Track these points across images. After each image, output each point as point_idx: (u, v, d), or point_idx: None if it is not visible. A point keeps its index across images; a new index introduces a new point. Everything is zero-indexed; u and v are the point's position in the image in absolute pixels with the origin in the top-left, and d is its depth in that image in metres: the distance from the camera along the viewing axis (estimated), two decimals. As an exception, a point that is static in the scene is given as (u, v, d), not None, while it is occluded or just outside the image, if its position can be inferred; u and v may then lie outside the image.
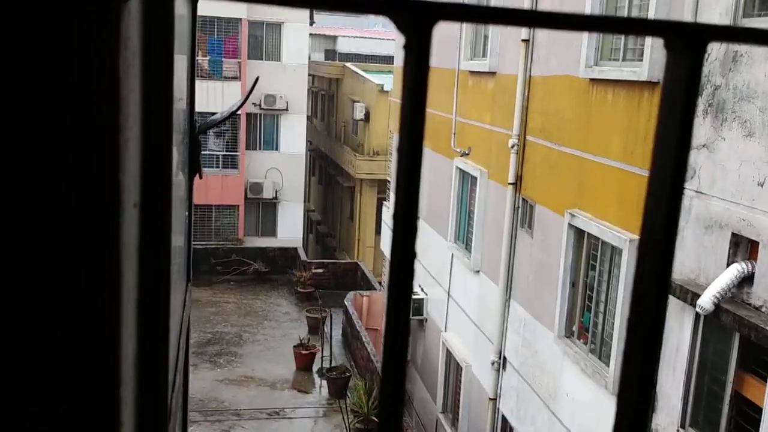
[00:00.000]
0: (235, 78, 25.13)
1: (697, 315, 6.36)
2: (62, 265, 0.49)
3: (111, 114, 0.47)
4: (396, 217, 0.52)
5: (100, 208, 0.49)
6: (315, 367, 17.51)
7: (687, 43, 0.53)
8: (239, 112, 24.96)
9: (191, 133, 1.57)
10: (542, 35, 9.78)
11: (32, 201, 0.47)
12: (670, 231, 0.55)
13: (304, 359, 17.41)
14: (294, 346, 17.67)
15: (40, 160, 0.47)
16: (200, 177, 1.70)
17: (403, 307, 0.53)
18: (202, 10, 26.58)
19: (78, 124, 0.47)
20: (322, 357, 17.38)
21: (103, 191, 0.49)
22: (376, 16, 0.51)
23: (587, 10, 8.36)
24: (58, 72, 0.46)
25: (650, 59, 7.15)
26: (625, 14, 7.97)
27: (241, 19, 25.00)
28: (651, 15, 7.19)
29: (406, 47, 0.51)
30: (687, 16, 6.63)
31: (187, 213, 1.63)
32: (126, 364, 0.61)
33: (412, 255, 0.54)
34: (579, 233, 8.74)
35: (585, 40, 8.46)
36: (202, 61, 25.08)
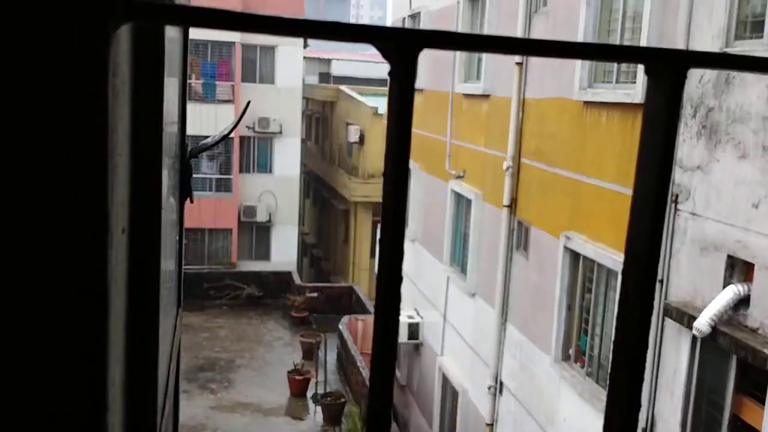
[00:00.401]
0: (228, 101, 25.22)
1: (694, 338, 6.35)
2: (48, 289, 0.49)
3: (99, 141, 0.47)
4: (383, 240, 0.52)
5: (86, 235, 0.49)
6: (309, 393, 17.36)
7: (667, 69, 0.54)
8: (232, 135, 25.02)
9: (182, 157, 1.58)
10: (536, 58, 9.87)
11: (16, 226, 0.47)
12: (654, 252, 0.56)
13: (299, 385, 17.26)
14: (288, 372, 17.53)
15: (26, 187, 0.47)
16: (191, 201, 1.70)
17: (391, 329, 0.53)
18: (196, 33, 26.79)
19: (65, 151, 0.47)
20: (316, 382, 17.24)
21: (90, 218, 0.49)
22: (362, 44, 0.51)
23: (580, 33, 8.45)
24: (45, 99, 0.46)
25: (644, 81, 7.21)
26: (618, 37, 8.06)
27: (234, 42, 25.16)
28: (644, 37, 7.27)
29: (390, 74, 0.52)
30: (679, 39, 6.70)
31: (177, 237, 1.63)
32: (114, 389, 0.60)
33: (399, 277, 0.54)
34: (574, 256, 8.74)
35: (578, 63, 8.54)
36: (196, 84, 25.18)
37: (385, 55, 0.51)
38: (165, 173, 1.37)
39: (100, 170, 0.48)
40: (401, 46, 0.50)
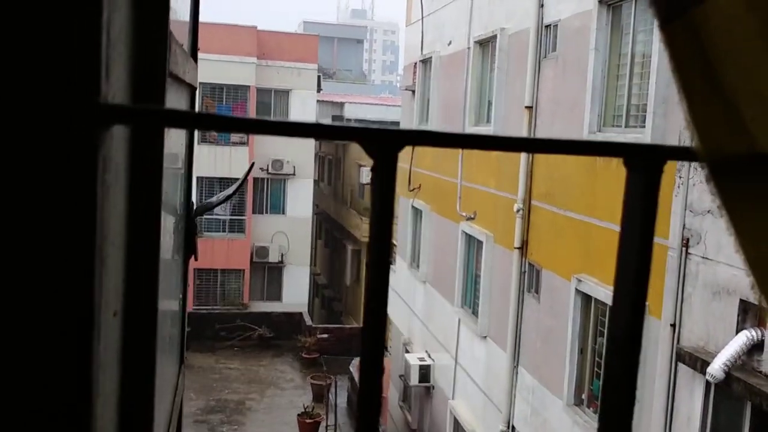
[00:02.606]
0: (242, 143, 25.50)
1: (708, 383, 6.25)
2: (32, 375, 0.50)
3: (85, 236, 0.49)
4: (364, 340, 0.54)
5: (71, 322, 0.50)
6: (320, 436, 17.15)
7: (645, 162, 0.56)
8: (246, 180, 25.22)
9: (187, 215, 1.60)
10: (545, 101, 9.94)
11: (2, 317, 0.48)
12: (634, 352, 0.56)
13: (309, 428, 17.07)
14: (298, 415, 17.35)
15: (13, 280, 0.49)
16: (195, 259, 1.72)
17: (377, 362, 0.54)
18: (212, 77, 27.04)
19: (52, 245, 0.49)
20: (326, 426, 17.04)
21: (76, 307, 0.50)
22: (348, 141, 0.53)
23: (589, 77, 8.52)
24: (32, 196, 0.48)
25: (653, 125, 7.25)
26: (627, 81, 8.11)
27: (249, 86, 25.54)
28: (652, 83, 7.31)
29: (373, 170, 0.54)
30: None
31: (181, 296, 1.64)
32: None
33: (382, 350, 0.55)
34: (586, 298, 8.68)
35: (588, 106, 8.60)
36: (212, 127, 25.48)
37: (369, 153, 0.53)
38: (169, 228, 1.39)
39: (86, 263, 0.50)
40: (383, 144, 0.52)
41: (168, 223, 1.18)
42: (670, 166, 7.23)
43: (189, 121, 0.53)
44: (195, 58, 1.86)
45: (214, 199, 2.16)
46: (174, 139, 1.32)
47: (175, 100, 1.31)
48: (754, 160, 0.56)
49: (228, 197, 2.23)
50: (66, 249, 0.49)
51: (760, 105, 0.54)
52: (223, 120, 0.51)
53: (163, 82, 0.81)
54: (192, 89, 1.74)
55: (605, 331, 8.36)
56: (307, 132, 0.52)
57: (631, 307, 0.56)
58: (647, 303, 7.31)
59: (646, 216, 0.55)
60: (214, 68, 24.38)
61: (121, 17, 0.62)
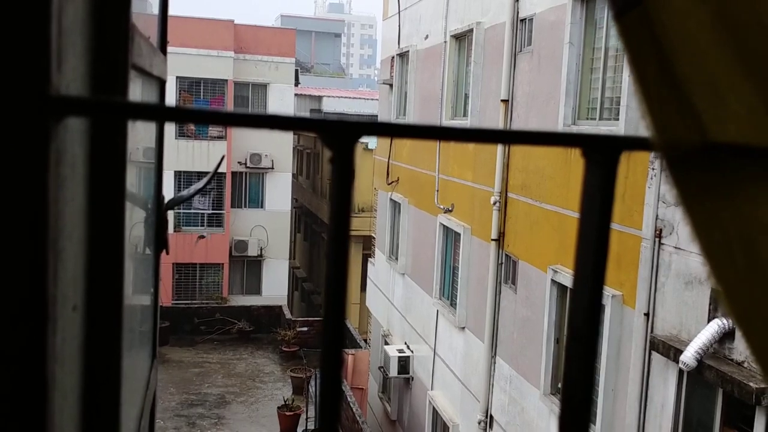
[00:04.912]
0: (220, 137, 25.33)
1: (681, 371, 6.34)
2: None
3: (36, 230, 0.48)
4: (324, 331, 0.54)
5: (22, 315, 0.50)
6: (300, 429, 17.16)
7: (602, 153, 0.56)
8: (224, 170, 25.08)
9: (158, 209, 1.59)
10: (521, 94, 9.99)
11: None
12: (592, 333, 0.57)
13: (289, 421, 17.07)
14: (278, 408, 17.34)
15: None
16: (167, 253, 1.71)
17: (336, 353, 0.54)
18: (189, 71, 26.82)
19: (1, 237, 0.48)
20: (306, 418, 17.05)
21: (27, 300, 0.50)
22: (308, 132, 0.54)
23: (564, 71, 8.57)
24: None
25: (626, 118, 7.31)
26: (601, 74, 8.17)
27: (227, 80, 25.36)
28: (625, 75, 7.37)
29: (331, 161, 0.54)
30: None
31: (153, 290, 1.63)
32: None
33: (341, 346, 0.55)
34: (562, 289, 8.76)
35: (563, 99, 8.65)
36: (188, 121, 25.30)
37: (326, 144, 0.53)
38: (139, 222, 1.38)
39: (39, 257, 0.49)
40: (340, 135, 0.52)
41: (136, 217, 1.17)
42: (643, 158, 7.29)
43: (147, 112, 0.53)
44: (164, 51, 1.84)
45: (185, 192, 2.15)
46: (142, 133, 1.31)
47: (141, 93, 1.29)
48: (707, 149, 0.57)
49: (199, 190, 2.22)
50: (16, 242, 0.48)
51: (711, 95, 0.54)
52: (182, 112, 0.51)
53: (126, 74, 0.80)
54: (161, 82, 1.72)
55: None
56: (265, 123, 0.52)
57: (590, 293, 0.56)
58: (621, 293, 7.40)
59: (604, 205, 0.56)
60: (191, 62, 24.17)
61: (76, 6, 0.61)
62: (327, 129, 0.52)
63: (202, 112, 0.51)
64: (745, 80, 0.50)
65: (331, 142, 0.52)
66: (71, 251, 0.59)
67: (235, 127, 0.52)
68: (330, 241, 0.54)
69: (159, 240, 1.57)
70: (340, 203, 0.53)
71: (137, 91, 1.25)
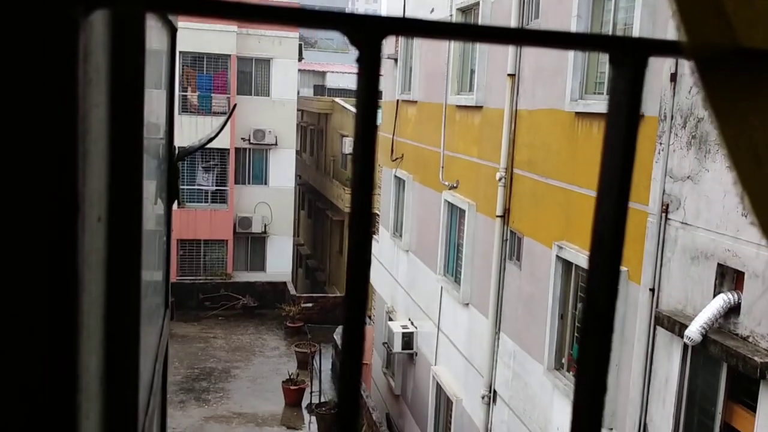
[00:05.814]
0: (224, 113, 25.24)
1: (686, 346, 6.36)
2: (16, 272, 0.50)
3: (67, 125, 0.48)
4: (351, 225, 0.53)
5: (56, 218, 0.50)
6: (304, 403, 17.31)
7: (629, 56, 0.56)
8: (228, 146, 25.05)
9: (170, 159, 1.59)
10: (528, 69, 9.92)
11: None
12: (618, 236, 0.57)
13: (293, 395, 17.21)
14: (283, 382, 17.48)
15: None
16: (179, 205, 1.71)
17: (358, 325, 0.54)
18: (192, 46, 26.69)
19: (32, 133, 0.48)
20: (311, 392, 17.19)
21: (60, 201, 0.50)
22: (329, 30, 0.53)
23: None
24: (11, 84, 0.47)
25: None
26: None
27: (230, 55, 25.23)
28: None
29: (358, 60, 0.53)
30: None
31: (165, 238, 1.64)
32: (88, 375, 0.61)
33: (367, 262, 0.55)
34: (567, 265, 8.76)
35: (570, 74, 8.59)
36: (192, 96, 25.22)
37: (352, 41, 0.52)
38: (153, 174, 1.38)
39: (69, 153, 0.49)
40: (367, 32, 0.52)
41: (154, 162, 1.17)
42: (650, 133, 7.24)
43: (168, 3, 0.52)
44: None
45: (195, 142, 2.14)
46: (155, 77, 1.30)
47: (155, 40, 1.29)
48: (736, 53, 0.57)
49: (210, 139, 2.22)
50: (48, 132, 0.48)
51: None
52: (203, 3, 0.50)
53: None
54: (173, 30, 1.71)
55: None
56: (288, 18, 0.51)
57: (616, 201, 0.56)
58: (627, 269, 7.39)
59: (632, 109, 0.55)
60: (194, 37, 24.03)
61: None
62: (354, 24, 0.51)
63: (227, 4, 0.50)
64: None
65: (359, 39, 0.51)
66: (96, 158, 0.59)
67: (260, 22, 0.51)
68: (356, 141, 0.53)
69: (171, 190, 1.57)
70: (367, 104, 0.53)
71: (152, 37, 1.25)
